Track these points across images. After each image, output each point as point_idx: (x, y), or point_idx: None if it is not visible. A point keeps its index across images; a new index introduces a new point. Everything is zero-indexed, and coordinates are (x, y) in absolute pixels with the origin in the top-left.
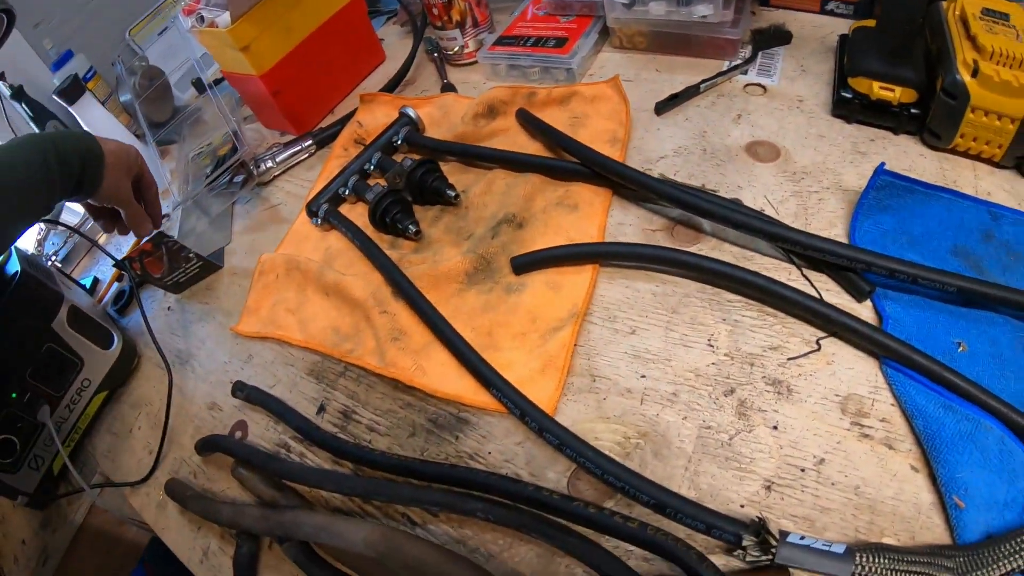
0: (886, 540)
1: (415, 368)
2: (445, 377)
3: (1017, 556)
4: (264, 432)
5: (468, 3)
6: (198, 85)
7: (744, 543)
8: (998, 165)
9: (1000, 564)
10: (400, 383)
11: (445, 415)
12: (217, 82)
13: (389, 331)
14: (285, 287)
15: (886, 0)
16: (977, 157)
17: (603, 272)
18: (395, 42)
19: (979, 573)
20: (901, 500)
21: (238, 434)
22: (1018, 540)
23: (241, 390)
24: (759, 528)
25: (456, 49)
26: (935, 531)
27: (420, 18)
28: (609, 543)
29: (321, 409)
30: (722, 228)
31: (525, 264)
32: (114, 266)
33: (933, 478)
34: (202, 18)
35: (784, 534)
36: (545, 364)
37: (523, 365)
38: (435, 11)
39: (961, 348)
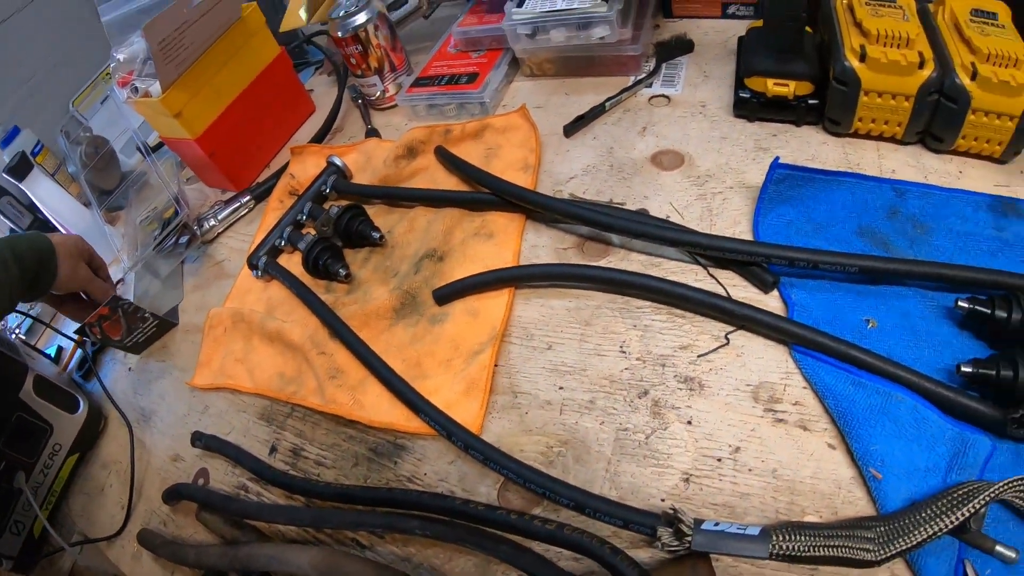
0: (808, 518)
1: (353, 403)
2: (380, 408)
3: (938, 520)
4: (224, 477)
5: (384, 49)
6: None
7: (659, 534)
8: (901, 142)
9: (922, 529)
10: (341, 418)
11: (384, 443)
12: (159, 146)
13: (327, 370)
14: (233, 339)
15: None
16: (879, 137)
17: (519, 294)
18: (324, 91)
19: (901, 541)
20: (820, 478)
21: (200, 481)
22: (938, 504)
23: (199, 439)
24: (672, 519)
25: (378, 95)
26: (858, 505)
27: (343, 67)
28: (540, 547)
29: (273, 450)
30: (629, 239)
31: (445, 295)
32: (75, 332)
33: (851, 453)
34: (136, 89)
35: (699, 522)
36: (468, 386)
37: (449, 389)
38: (353, 60)
39: (871, 325)
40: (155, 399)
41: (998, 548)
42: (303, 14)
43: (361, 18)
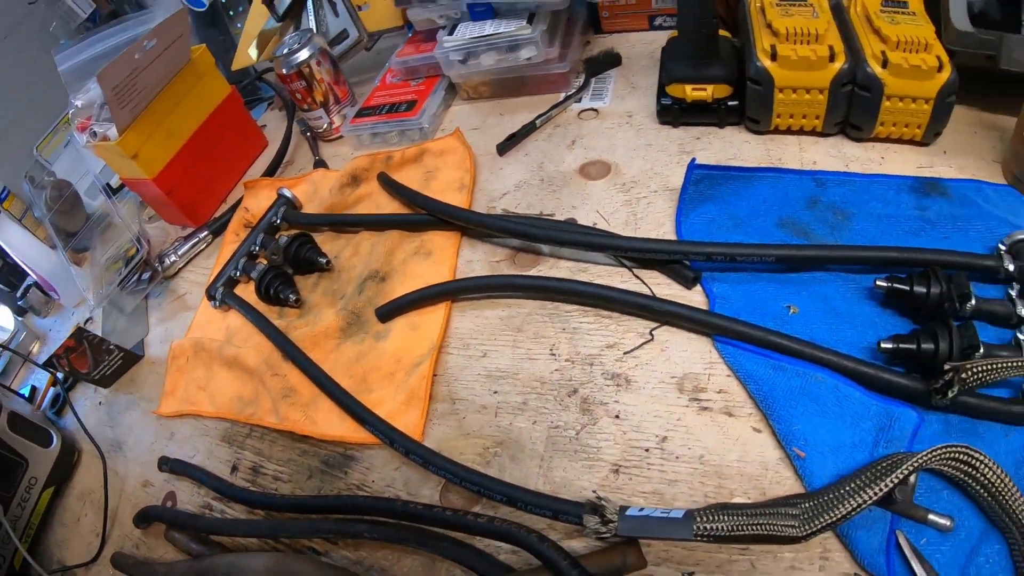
0: (736, 500)
1: (305, 419)
2: (330, 422)
3: (861, 492)
4: (190, 498)
5: (327, 84)
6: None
7: (586, 522)
8: (822, 134)
9: (845, 503)
10: (295, 434)
11: (335, 455)
12: (121, 187)
13: (281, 391)
14: (194, 367)
15: (679, 11)
16: (800, 131)
17: (456, 307)
18: (276, 126)
19: (825, 516)
20: (747, 461)
21: (169, 503)
22: (861, 478)
23: (166, 463)
24: (596, 507)
25: (324, 127)
26: (786, 484)
27: (290, 102)
28: (482, 543)
29: (234, 469)
30: (558, 248)
31: (387, 312)
32: (44, 365)
33: (776, 435)
34: (95, 133)
35: (623, 508)
36: (409, 397)
37: (391, 400)
38: (299, 95)
39: (792, 311)
40: (125, 430)
41: (931, 517)
42: (253, 52)
43: (303, 55)
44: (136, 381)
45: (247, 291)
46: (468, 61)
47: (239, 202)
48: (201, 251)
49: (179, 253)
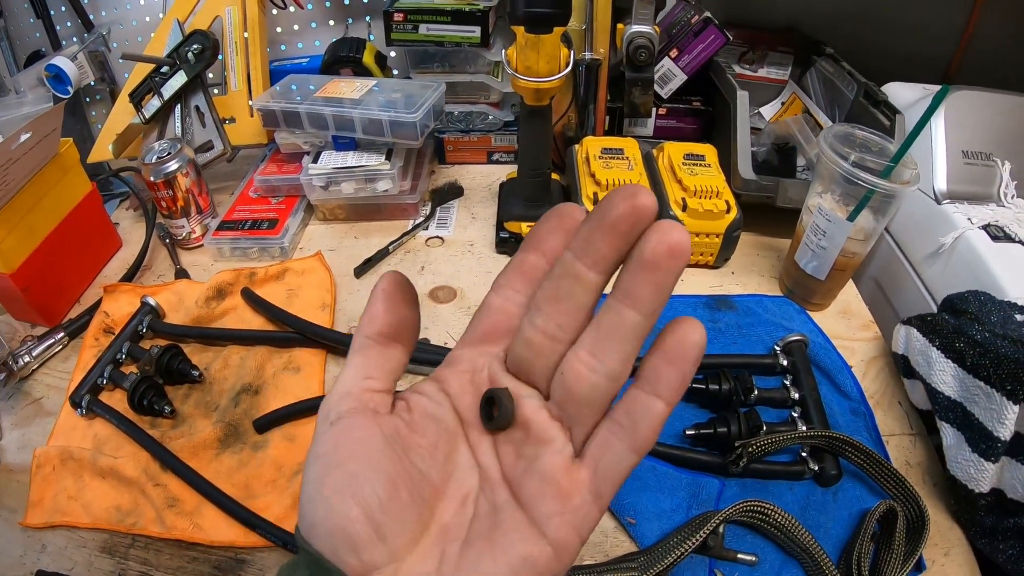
0: (587, 562)
1: (192, 527)
2: (218, 529)
3: (682, 544)
4: None
5: (191, 193)
6: None
7: None
8: None
9: (672, 553)
10: (183, 542)
11: (226, 560)
12: None
13: (164, 500)
14: (63, 477)
15: (519, 162)
16: None
17: None
18: (129, 226)
19: (658, 565)
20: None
21: None
22: (681, 533)
23: None
24: None
25: (185, 235)
26: (623, 546)
27: (151, 206)
28: None
29: None
30: (417, 365)
31: (264, 424)
32: None
33: (610, 510)
34: None
35: None
36: (294, 501)
37: (278, 504)
38: (164, 204)
39: None
40: None
41: (740, 556)
42: (111, 148)
43: (173, 165)
44: None
45: (112, 399)
46: (329, 187)
47: (97, 305)
48: (57, 353)
49: (34, 354)
